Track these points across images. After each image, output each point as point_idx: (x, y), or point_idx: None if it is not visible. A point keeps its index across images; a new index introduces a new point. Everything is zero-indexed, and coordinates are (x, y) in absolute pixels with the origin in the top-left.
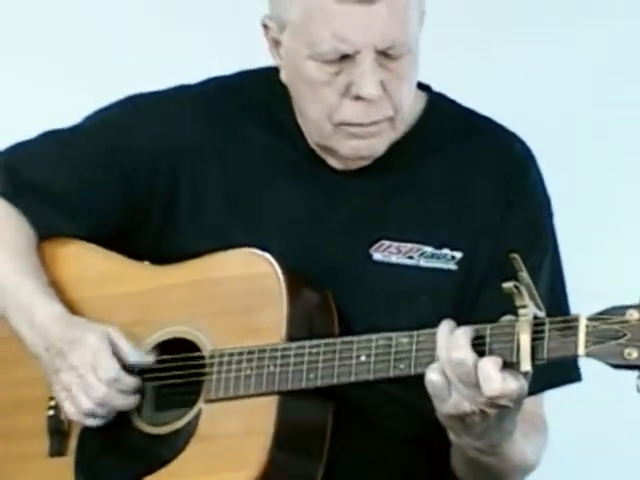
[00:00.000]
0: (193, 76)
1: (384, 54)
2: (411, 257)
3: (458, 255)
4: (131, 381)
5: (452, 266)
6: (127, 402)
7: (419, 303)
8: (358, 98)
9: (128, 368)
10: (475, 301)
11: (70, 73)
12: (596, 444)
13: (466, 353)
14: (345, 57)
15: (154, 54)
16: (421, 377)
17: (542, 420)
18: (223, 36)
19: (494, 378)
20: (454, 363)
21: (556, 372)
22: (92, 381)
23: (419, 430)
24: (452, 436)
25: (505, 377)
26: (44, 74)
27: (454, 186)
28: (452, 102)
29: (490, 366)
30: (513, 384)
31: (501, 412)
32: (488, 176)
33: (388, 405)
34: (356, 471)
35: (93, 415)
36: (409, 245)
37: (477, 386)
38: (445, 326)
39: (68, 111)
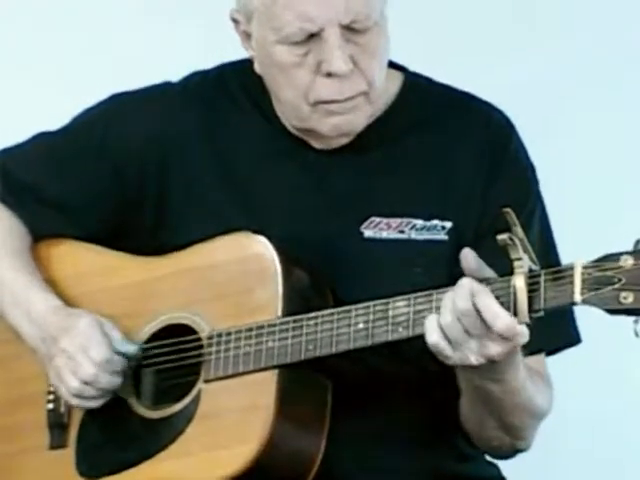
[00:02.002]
0: (179, 73)
1: (350, 29)
2: (402, 231)
3: (448, 225)
4: (119, 360)
5: (443, 236)
6: (114, 382)
7: (414, 276)
8: (329, 75)
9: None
10: None
11: (60, 73)
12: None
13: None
14: (312, 36)
15: (141, 53)
16: (419, 353)
17: (548, 378)
18: (206, 33)
19: (501, 314)
20: (460, 313)
21: (556, 335)
22: (81, 360)
23: (416, 405)
24: (457, 370)
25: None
26: (36, 75)
27: (437, 158)
28: (428, 79)
29: (491, 302)
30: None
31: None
32: (471, 146)
33: (385, 382)
34: (356, 448)
35: (81, 396)
36: (399, 219)
37: (485, 335)
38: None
39: (59, 111)
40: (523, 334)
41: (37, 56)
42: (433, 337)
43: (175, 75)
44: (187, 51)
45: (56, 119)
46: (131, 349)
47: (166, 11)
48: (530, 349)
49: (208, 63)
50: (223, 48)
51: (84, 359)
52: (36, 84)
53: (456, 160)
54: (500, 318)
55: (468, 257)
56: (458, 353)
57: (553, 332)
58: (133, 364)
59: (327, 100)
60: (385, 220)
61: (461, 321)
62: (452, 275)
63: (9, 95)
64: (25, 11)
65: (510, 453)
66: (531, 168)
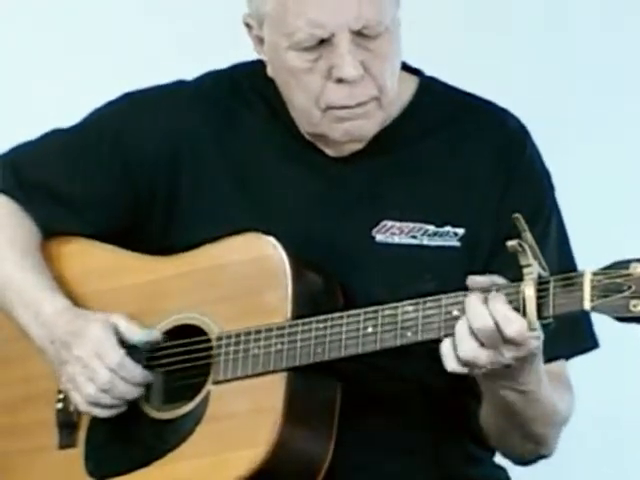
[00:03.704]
0: (179, 73)
1: (360, 34)
2: (414, 236)
3: (460, 232)
4: (135, 369)
5: (455, 243)
6: (131, 391)
7: (424, 282)
8: (340, 81)
9: (134, 354)
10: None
11: (60, 73)
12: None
13: (486, 318)
14: (323, 42)
15: (141, 53)
16: (428, 356)
17: (569, 382)
18: (206, 33)
19: (513, 318)
20: (478, 331)
21: (573, 341)
22: (97, 368)
23: (424, 408)
24: (477, 378)
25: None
26: (36, 75)
27: (451, 164)
28: (443, 84)
29: (502, 306)
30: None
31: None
32: (485, 152)
33: (393, 384)
34: (364, 450)
35: (98, 404)
36: (411, 225)
37: (500, 345)
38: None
39: (70, 108)
40: (534, 338)
41: (37, 56)
42: (452, 365)
43: (175, 75)
44: (187, 51)
45: (56, 119)
46: (146, 335)
47: (166, 11)
48: (548, 357)
49: (207, 63)
50: (223, 49)
51: (100, 366)
52: (36, 84)
53: (470, 166)
54: (513, 323)
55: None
56: (476, 369)
57: (571, 338)
58: (149, 347)
59: (338, 106)
60: (398, 224)
61: (478, 338)
62: (463, 282)
63: (9, 95)
64: (25, 11)
65: (533, 459)
66: (546, 175)
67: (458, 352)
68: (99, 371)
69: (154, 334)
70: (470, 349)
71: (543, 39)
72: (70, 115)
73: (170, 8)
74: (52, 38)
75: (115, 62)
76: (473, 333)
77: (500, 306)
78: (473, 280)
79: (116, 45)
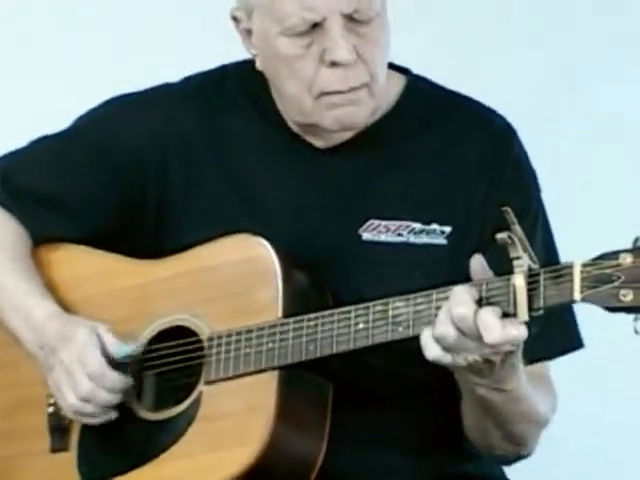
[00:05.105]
0: (178, 73)
1: (352, 19)
2: (400, 234)
3: (447, 230)
4: (116, 377)
5: (442, 241)
6: (113, 398)
7: (413, 279)
8: (333, 64)
9: (116, 364)
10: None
11: (60, 75)
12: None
13: (468, 308)
14: (315, 26)
15: (141, 53)
16: (419, 353)
17: (550, 383)
18: (206, 33)
19: (493, 326)
20: (457, 319)
21: (558, 340)
22: (79, 377)
23: (417, 405)
24: (457, 375)
25: (505, 325)
26: (35, 76)
27: (438, 162)
28: (431, 82)
29: (489, 316)
30: (513, 331)
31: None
32: (472, 151)
33: (386, 382)
34: (357, 447)
35: (84, 413)
36: (397, 223)
37: (480, 338)
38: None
39: (58, 113)
40: (519, 336)
41: (37, 57)
42: (433, 352)
43: (175, 75)
44: (187, 51)
45: (55, 121)
46: (126, 350)
47: (166, 11)
48: (532, 358)
49: (207, 63)
50: (222, 48)
51: (81, 374)
52: (36, 85)
53: (457, 164)
54: (489, 330)
55: (475, 265)
56: (457, 357)
57: (555, 340)
58: (134, 368)
59: (331, 90)
60: (384, 223)
61: (456, 326)
62: (450, 279)
63: (9, 96)
64: (25, 11)
65: (513, 460)
66: (533, 174)
67: (434, 330)
68: (80, 380)
69: (133, 349)
70: (443, 330)
71: (541, 38)
72: (68, 116)
73: (169, 8)
74: (51, 38)
75: (114, 63)
76: (450, 317)
77: (488, 316)
78: (476, 260)
79: (115, 46)
